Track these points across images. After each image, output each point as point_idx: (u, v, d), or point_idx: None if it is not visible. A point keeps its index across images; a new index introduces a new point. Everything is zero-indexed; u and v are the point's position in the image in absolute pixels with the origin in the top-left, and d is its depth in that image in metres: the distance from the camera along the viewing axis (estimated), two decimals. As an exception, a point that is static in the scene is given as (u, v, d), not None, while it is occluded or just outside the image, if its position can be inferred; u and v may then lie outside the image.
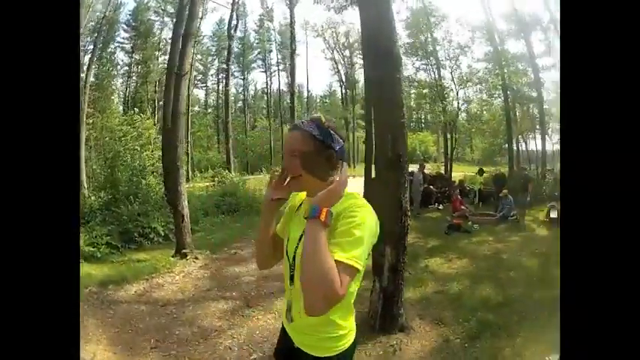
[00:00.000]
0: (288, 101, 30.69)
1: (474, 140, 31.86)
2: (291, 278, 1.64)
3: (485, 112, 23.54)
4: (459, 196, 13.74)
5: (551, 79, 27.25)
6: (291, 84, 26.68)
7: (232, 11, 28.70)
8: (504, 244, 9.15)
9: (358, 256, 1.38)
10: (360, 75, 39.51)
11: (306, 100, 41.08)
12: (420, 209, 13.07)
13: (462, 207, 12.49)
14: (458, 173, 21.99)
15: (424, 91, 23.34)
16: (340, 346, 1.62)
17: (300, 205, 1.77)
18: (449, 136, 23.13)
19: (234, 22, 29.75)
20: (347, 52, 38.47)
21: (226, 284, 6.16)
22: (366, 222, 1.45)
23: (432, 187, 13.99)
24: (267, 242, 1.79)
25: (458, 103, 22.99)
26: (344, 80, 40.02)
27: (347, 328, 1.64)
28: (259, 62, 35.20)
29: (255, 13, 34.40)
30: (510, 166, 21.58)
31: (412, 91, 24.99)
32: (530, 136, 25.03)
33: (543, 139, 22.56)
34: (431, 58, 22.03)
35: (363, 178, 15.80)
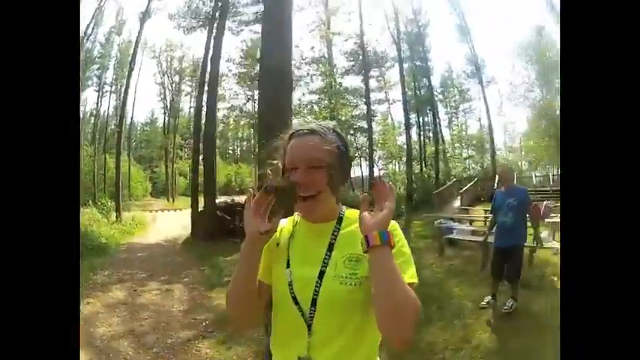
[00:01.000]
0: (113, 126, 28.39)
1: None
2: (309, 327, 1.26)
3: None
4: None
5: (381, 111, 30.58)
6: (122, 107, 24.49)
7: (92, 17, 25.64)
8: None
9: (415, 273, 1.24)
10: (184, 103, 38.98)
11: (128, 126, 38.52)
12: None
13: None
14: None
15: (252, 121, 23.84)
16: None
17: (291, 236, 1.37)
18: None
19: (89, 30, 26.59)
20: (177, 78, 37.60)
21: (96, 345, 4.99)
22: (404, 238, 1.30)
23: (260, 219, 13.99)
24: (253, 293, 1.30)
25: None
26: (169, 107, 38.86)
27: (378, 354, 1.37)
28: (95, 80, 31.46)
29: (107, 25, 31.16)
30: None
31: (242, 122, 25.23)
32: (355, 163, 27.48)
33: (371, 166, 25.01)
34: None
35: (189, 211, 15.47)
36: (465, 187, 23.24)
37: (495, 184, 25.01)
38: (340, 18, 33.49)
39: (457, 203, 21.72)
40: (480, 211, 17.33)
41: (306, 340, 1.26)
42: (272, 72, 4.52)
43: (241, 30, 22.64)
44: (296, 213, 1.40)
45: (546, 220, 7.43)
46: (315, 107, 23.84)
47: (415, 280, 1.21)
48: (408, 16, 31.15)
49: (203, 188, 15.19)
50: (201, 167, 16.20)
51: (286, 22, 4.66)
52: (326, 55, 25.38)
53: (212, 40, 15.52)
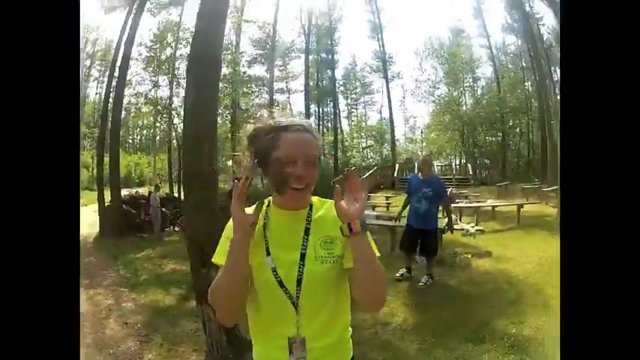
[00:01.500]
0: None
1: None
2: (296, 308, 1.38)
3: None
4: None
5: (280, 100, 30.65)
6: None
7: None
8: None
9: (376, 248, 1.42)
10: (91, 89, 36.05)
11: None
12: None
13: None
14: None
15: (155, 108, 22.46)
16: (351, 345, 1.56)
17: (264, 225, 1.43)
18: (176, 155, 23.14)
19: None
20: (88, 62, 34.69)
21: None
22: None
23: (164, 209, 13.50)
24: (245, 283, 1.38)
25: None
26: (78, 94, 35.70)
27: None
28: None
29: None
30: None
31: (144, 109, 23.79)
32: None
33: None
34: (169, 75, 21.48)
35: (94, 206, 14.37)
36: (365, 175, 24.04)
37: (395, 172, 26.46)
38: (255, 5, 32.86)
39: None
40: (380, 198, 18.05)
41: (294, 320, 1.38)
42: (203, 60, 4.26)
43: (159, 12, 21.23)
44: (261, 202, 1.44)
45: (452, 205, 8.08)
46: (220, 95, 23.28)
47: (378, 253, 1.38)
48: (321, 10, 31.85)
49: (108, 181, 13.92)
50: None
51: (223, 10, 4.42)
52: (234, 42, 24.82)
53: (130, 21, 14.23)
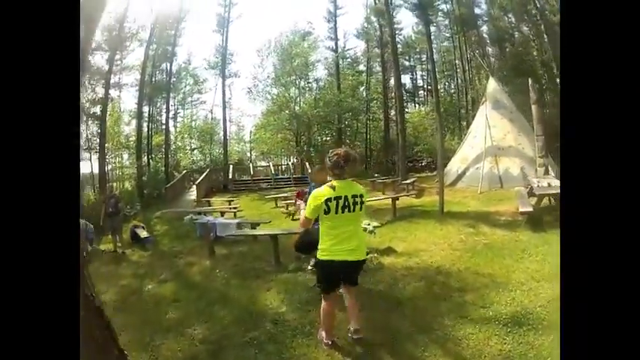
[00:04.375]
0: None
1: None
2: None
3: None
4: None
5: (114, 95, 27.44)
6: None
7: None
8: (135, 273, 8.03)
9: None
10: None
11: None
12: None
13: None
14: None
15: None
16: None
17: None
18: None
19: None
20: None
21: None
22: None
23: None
24: None
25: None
26: None
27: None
28: None
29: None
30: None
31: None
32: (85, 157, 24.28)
33: (102, 160, 22.26)
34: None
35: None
36: (200, 179, 22.79)
37: (230, 174, 25.74)
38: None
39: (191, 196, 20.84)
40: (220, 202, 16.74)
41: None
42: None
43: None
44: None
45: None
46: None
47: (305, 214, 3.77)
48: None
49: None
50: None
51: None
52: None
53: None
